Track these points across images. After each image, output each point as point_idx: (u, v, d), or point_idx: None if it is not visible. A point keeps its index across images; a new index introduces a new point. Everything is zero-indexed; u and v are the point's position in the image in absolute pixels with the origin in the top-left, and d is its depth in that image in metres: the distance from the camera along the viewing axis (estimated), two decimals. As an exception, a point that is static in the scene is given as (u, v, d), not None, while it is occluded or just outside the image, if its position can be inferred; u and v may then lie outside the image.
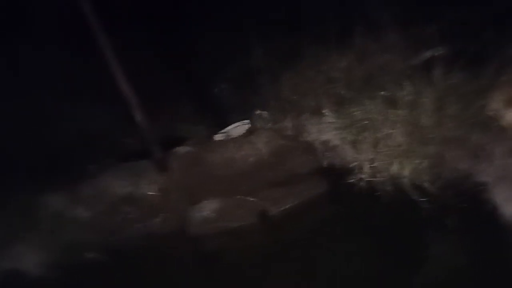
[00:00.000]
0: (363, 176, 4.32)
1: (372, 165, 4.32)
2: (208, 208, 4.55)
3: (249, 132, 5.57)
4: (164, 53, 6.31)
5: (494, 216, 3.66)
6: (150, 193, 4.77)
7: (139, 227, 4.52)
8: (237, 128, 5.64)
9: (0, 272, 4.29)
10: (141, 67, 5.70)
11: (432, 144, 4.08)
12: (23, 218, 4.56)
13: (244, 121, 5.71)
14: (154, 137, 4.97)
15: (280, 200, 4.50)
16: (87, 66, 5.67)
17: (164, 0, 6.56)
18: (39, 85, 5.74)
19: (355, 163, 4.45)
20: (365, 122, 4.48)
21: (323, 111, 5.01)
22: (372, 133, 4.40)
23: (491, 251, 3.45)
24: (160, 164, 4.97)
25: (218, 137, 5.59)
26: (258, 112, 5.78)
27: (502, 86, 4.16)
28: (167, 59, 6.29)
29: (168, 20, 6.49)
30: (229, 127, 5.66)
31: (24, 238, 4.42)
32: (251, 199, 4.55)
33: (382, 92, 4.45)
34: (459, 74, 4.29)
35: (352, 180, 4.35)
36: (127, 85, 4.78)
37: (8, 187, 4.75)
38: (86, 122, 5.60)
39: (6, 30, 5.78)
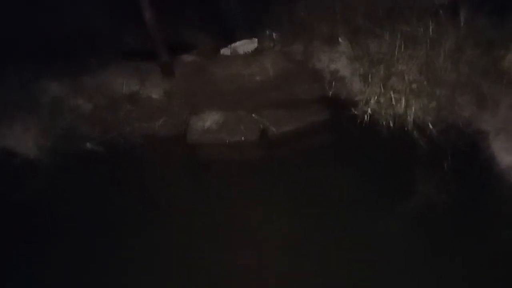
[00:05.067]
0: (367, 109, 4.33)
1: (378, 100, 4.32)
2: (209, 119, 4.52)
3: (257, 51, 5.46)
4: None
5: (489, 164, 3.76)
6: (154, 95, 4.74)
7: (140, 126, 4.49)
8: (245, 45, 5.52)
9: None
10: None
11: (443, 86, 4.08)
12: (22, 99, 4.48)
13: (252, 39, 5.58)
14: (160, 40, 4.82)
15: (282, 121, 4.49)
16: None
17: None
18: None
19: (362, 96, 4.44)
20: (380, 55, 4.41)
21: (337, 40, 4.93)
22: (385, 68, 4.35)
23: (477, 196, 3.57)
24: (166, 69, 4.88)
25: (224, 51, 5.48)
26: (268, 32, 5.64)
27: (524, 40, 4.13)
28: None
29: None
30: (237, 43, 5.53)
31: (22, 119, 4.36)
32: (253, 116, 4.54)
33: (403, 27, 4.34)
34: (484, 20, 4.22)
35: (355, 112, 4.36)
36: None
37: (6, 67, 4.63)
38: (89, 15, 5.37)
39: None
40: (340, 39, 4.85)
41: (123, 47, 5.24)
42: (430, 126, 4.05)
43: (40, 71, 4.69)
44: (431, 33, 4.21)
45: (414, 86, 4.16)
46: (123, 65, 4.97)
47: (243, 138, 4.40)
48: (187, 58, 5.24)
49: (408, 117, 4.16)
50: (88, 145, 4.28)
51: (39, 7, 5.19)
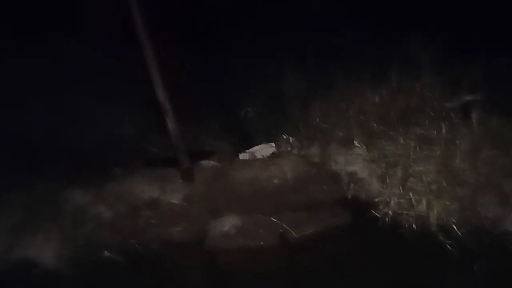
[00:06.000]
0: (388, 211, 4.27)
1: (399, 201, 4.27)
2: (229, 223, 4.52)
3: (275, 155, 5.60)
4: (198, 72, 6.46)
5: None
6: (174, 201, 4.80)
7: (159, 233, 4.49)
8: (263, 150, 5.67)
9: (14, 259, 4.33)
10: (175, 82, 5.82)
11: (464, 186, 4.05)
12: (47, 209, 4.59)
13: (270, 143, 5.76)
14: (182, 148, 5.02)
15: (301, 224, 4.43)
16: (123, 72, 5.85)
17: (205, 24, 6.81)
18: (73, 86, 5.91)
19: (381, 197, 4.41)
20: (396, 157, 4.47)
21: (353, 142, 5.04)
22: (402, 169, 4.37)
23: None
24: (186, 175, 5.01)
25: (243, 156, 5.63)
26: (284, 136, 5.83)
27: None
28: (201, 77, 6.43)
29: (207, 41, 6.69)
30: (255, 148, 5.70)
31: (45, 229, 4.44)
32: (273, 220, 4.51)
33: (417, 129, 4.45)
34: (497, 120, 4.30)
35: (376, 214, 4.31)
36: (163, 95, 4.87)
37: (35, 177, 4.88)
38: (115, 126, 5.71)
39: (52, 30, 6.01)
40: (355, 142, 4.96)
41: (147, 155, 5.47)
42: (455, 228, 3.94)
43: (66, 180, 4.89)
44: (445, 134, 4.30)
45: (433, 187, 4.13)
46: (146, 172, 5.14)
47: (262, 242, 4.33)
48: (207, 163, 5.40)
49: (431, 218, 4.07)
50: (107, 253, 4.28)
51: (68, 117, 5.60)
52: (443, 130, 4.34)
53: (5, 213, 4.64)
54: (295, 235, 4.35)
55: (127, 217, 4.59)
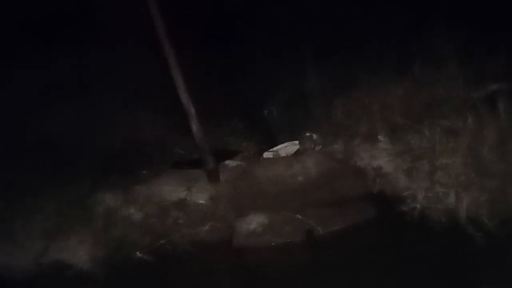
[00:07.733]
0: (416, 205, 4.23)
1: (426, 195, 4.23)
2: (255, 221, 4.56)
3: (298, 152, 5.61)
4: (221, 73, 6.54)
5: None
6: (200, 201, 4.87)
7: (187, 232, 4.58)
8: (286, 148, 5.68)
9: (49, 262, 4.48)
10: (198, 84, 5.91)
11: (493, 178, 3.97)
12: (79, 211, 4.75)
13: (293, 141, 5.76)
14: (207, 149, 5.10)
15: (327, 221, 4.44)
16: (148, 77, 5.98)
17: (225, 25, 6.87)
18: (101, 91, 6.08)
19: (408, 191, 4.37)
20: (422, 150, 4.42)
21: (377, 137, 5.00)
22: (429, 162, 4.32)
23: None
24: (212, 175, 5.07)
25: (267, 155, 5.66)
26: (308, 134, 5.82)
27: None
28: (223, 79, 6.51)
29: (228, 43, 6.75)
30: (278, 146, 5.71)
31: (78, 231, 4.59)
32: (298, 216, 4.52)
33: (442, 121, 4.39)
34: (525, 110, 4.21)
35: (403, 209, 4.27)
36: (186, 98, 4.95)
37: (65, 181, 5.05)
38: (142, 129, 5.87)
39: (75, 36, 6.20)
40: (379, 137, 4.92)
41: (173, 157, 5.58)
42: (485, 220, 3.87)
43: (96, 184, 5.04)
44: (471, 125, 4.22)
45: (462, 179, 4.07)
46: (172, 173, 5.24)
47: (288, 239, 4.36)
48: (232, 163, 5.46)
49: (461, 211, 4.01)
50: (138, 254, 4.39)
51: (93, 122, 5.79)
52: (469, 121, 4.26)
53: (39, 217, 4.79)
54: (321, 231, 4.36)
55: (156, 218, 4.69)
